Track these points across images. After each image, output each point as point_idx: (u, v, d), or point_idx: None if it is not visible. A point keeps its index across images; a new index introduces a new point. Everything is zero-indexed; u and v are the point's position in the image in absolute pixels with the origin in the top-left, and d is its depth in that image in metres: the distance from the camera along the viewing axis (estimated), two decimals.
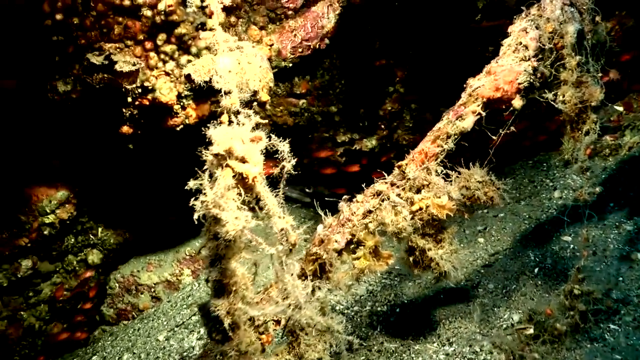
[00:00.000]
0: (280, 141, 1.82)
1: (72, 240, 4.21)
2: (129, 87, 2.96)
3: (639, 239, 2.98)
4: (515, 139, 4.51)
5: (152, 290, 4.19)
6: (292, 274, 1.91)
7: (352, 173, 4.44)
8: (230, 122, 1.84)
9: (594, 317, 2.45)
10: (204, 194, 1.65)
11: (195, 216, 1.65)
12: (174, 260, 4.24)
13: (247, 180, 1.72)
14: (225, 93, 1.90)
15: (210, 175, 1.69)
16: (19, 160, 3.60)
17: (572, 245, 3.08)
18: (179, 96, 3.21)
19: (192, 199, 1.65)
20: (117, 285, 4.24)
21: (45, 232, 3.83)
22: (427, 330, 2.77)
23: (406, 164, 2.39)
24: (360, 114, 4.28)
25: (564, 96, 2.60)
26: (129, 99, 3.12)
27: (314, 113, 3.97)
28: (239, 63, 2.90)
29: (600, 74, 2.62)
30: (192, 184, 1.68)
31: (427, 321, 2.84)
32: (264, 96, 3.09)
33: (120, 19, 2.94)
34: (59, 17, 2.78)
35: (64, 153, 3.65)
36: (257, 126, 1.80)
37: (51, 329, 4.26)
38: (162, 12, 2.93)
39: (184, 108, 3.32)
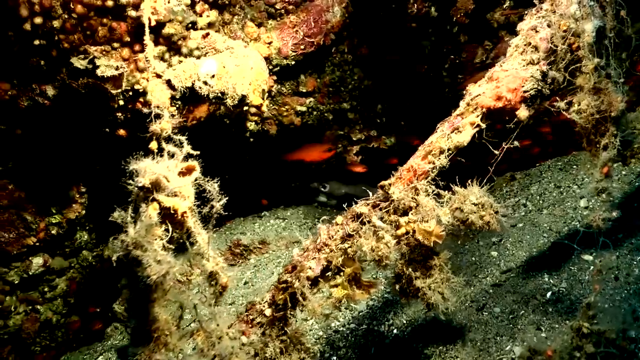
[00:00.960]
0: (208, 181, 1.64)
1: (86, 237, 4.21)
2: (113, 91, 2.84)
3: None
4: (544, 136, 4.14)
5: None
6: (218, 323, 1.74)
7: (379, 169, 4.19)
8: (160, 149, 1.67)
9: None
10: (125, 232, 1.50)
11: (114, 257, 1.50)
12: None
13: (176, 215, 1.55)
14: (155, 117, 1.72)
15: (135, 210, 1.54)
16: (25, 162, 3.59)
17: (592, 267, 2.76)
18: (174, 98, 3.07)
19: (112, 238, 1.50)
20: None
21: (54, 232, 3.84)
22: (422, 358, 2.56)
23: (389, 184, 2.15)
24: (378, 110, 4.03)
25: (579, 105, 2.28)
26: (121, 102, 3.00)
27: (323, 111, 3.75)
28: (223, 67, 2.71)
29: (622, 79, 2.27)
30: (116, 215, 1.53)
31: (424, 346, 2.62)
32: (256, 99, 2.90)
33: (105, 20, 2.81)
34: (37, 20, 2.68)
35: (67, 156, 3.61)
36: (188, 156, 1.63)
37: (69, 322, 4.31)
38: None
39: (180, 110, 3.19)
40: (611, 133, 2.28)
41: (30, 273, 3.96)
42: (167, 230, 1.55)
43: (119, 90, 2.84)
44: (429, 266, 2.23)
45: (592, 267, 2.76)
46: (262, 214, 4.26)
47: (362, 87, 3.78)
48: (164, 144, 1.64)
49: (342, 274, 2.19)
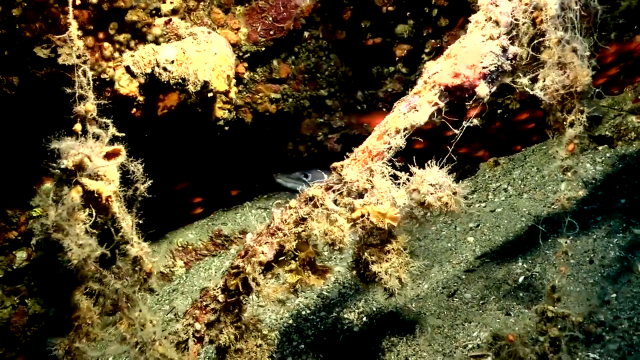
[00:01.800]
0: (132, 161, 1.59)
1: None
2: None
3: None
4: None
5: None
6: (140, 308, 1.69)
7: None
8: (85, 131, 1.62)
9: (569, 345, 2.07)
10: (46, 215, 1.45)
11: (33, 241, 1.46)
12: (166, 251, 4.14)
13: (100, 200, 1.51)
14: (80, 98, 1.67)
15: (58, 193, 1.49)
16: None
17: (568, 241, 2.67)
18: (142, 87, 3.02)
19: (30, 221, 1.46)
20: None
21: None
22: (388, 346, 2.49)
23: (341, 165, 2.09)
24: (358, 97, 3.95)
25: (543, 81, 2.19)
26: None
27: (299, 98, 3.68)
28: (184, 52, 2.66)
29: (588, 53, 2.18)
30: (37, 200, 1.49)
31: (391, 334, 2.56)
32: (220, 85, 2.84)
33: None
34: None
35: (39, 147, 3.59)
36: (114, 139, 1.58)
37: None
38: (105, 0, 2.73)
39: (150, 99, 3.14)
40: (577, 109, 2.19)
41: (15, 267, 3.95)
42: (90, 214, 1.50)
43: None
44: (386, 250, 2.16)
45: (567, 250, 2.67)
46: (244, 204, 4.22)
47: (339, 73, 3.70)
48: (88, 127, 1.59)
49: (296, 258, 2.13)
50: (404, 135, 2.12)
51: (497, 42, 2.13)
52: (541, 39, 2.15)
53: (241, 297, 2.12)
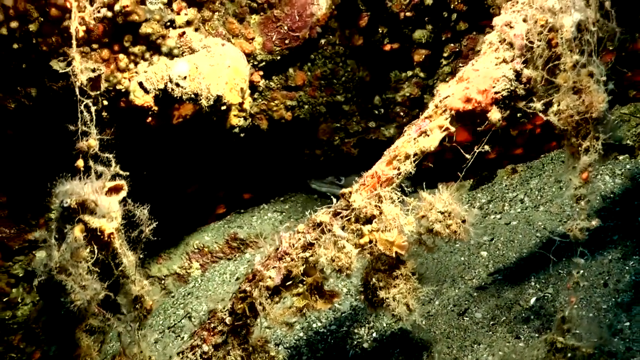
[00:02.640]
0: (137, 206, 1.60)
1: None
2: (92, 93, 2.83)
3: None
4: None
5: (162, 282, 4.20)
6: (142, 346, 1.72)
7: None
8: (87, 167, 1.64)
9: None
10: (49, 255, 1.48)
11: (35, 282, 1.49)
12: (183, 253, 4.20)
13: (102, 237, 1.53)
14: (82, 134, 1.69)
15: (59, 231, 1.52)
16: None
17: (582, 271, 2.62)
18: (157, 97, 3.04)
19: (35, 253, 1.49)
20: None
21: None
22: None
23: (350, 192, 2.08)
24: (375, 102, 3.91)
25: (558, 105, 2.13)
26: (105, 102, 3.01)
27: (315, 105, 3.66)
28: (196, 67, 2.66)
29: (604, 78, 2.11)
30: (37, 234, 1.52)
31: (400, 352, 2.56)
32: (234, 98, 2.84)
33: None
34: (13, 24, 2.69)
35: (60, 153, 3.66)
36: (116, 175, 1.60)
37: None
38: (120, 13, 2.74)
39: (165, 108, 3.17)
40: (592, 136, 2.13)
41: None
42: (92, 252, 1.53)
43: (97, 93, 2.83)
44: (395, 276, 2.16)
45: (582, 271, 2.63)
46: (261, 206, 4.24)
47: (356, 79, 3.67)
48: (91, 163, 1.61)
49: (303, 283, 2.14)
50: (414, 161, 2.09)
51: (511, 65, 2.09)
52: (557, 62, 2.09)
53: (248, 320, 2.15)
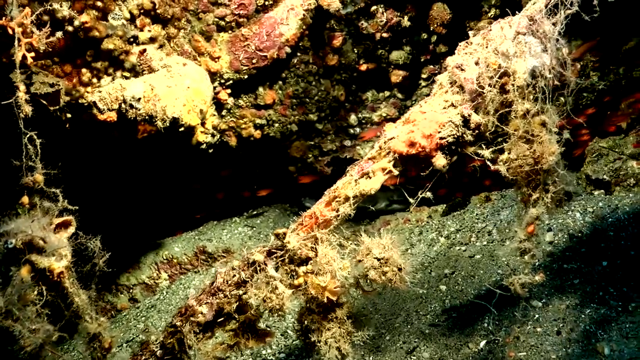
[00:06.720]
0: (89, 239, 1.55)
1: None
2: (51, 108, 2.80)
3: (619, 322, 2.39)
4: None
5: (130, 291, 4.17)
6: None
7: None
8: (32, 204, 1.59)
9: None
10: None
11: None
12: (152, 262, 4.16)
13: (51, 277, 1.48)
14: (27, 169, 1.64)
15: (4, 274, 1.47)
16: None
17: (537, 316, 2.56)
18: (120, 111, 3.00)
19: None
20: None
21: None
22: None
23: (284, 233, 2.03)
24: (351, 121, 3.85)
25: (508, 153, 2.06)
26: (69, 115, 2.99)
27: (286, 123, 3.60)
28: (152, 89, 2.61)
29: (557, 127, 2.03)
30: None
31: None
32: (192, 120, 2.80)
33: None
34: None
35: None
36: (63, 210, 1.54)
37: None
38: (80, 29, 2.70)
39: (128, 124, 3.12)
40: (541, 188, 2.06)
41: None
42: (40, 293, 1.48)
43: (56, 107, 2.80)
44: (329, 319, 2.10)
45: (537, 316, 2.56)
46: (233, 218, 4.20)
47: (330, 98, 3.60)
48: (36, 199, 1.55)
49: (236, 320, 2.10)
50: (353, 204, 2.03)
51: (459, 110, 2.02)
52: (508, 109, 2.02)
53: (179, 355, 2.11)
